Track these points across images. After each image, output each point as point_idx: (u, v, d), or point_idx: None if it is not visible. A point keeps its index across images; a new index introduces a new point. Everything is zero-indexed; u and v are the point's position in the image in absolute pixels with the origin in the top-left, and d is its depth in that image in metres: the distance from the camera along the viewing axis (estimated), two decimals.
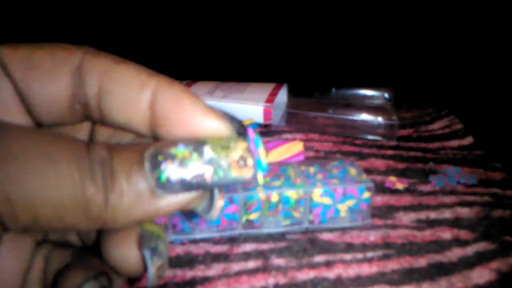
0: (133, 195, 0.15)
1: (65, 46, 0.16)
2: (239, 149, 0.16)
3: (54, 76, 0.16)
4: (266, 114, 0.47)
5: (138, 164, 0.15)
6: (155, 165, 0.15)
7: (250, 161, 0.16)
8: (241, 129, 0.17)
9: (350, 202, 0.32)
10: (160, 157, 0.15)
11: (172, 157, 0.15)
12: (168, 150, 0.15)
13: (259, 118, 0.47)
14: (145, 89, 0.16)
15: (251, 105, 0.47)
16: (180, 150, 0.15)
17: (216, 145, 0.16)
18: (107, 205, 0.14)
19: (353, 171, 0.34)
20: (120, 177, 0.14)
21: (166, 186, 0.15)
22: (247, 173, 0.16)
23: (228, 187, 0.31)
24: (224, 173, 0.15)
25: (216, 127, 0.16)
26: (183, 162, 0.15)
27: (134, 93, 0.16)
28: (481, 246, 0.32)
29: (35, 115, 0.16)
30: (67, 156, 0.14)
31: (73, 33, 0.64)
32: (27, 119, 0.16)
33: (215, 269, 0.29)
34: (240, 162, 0.16)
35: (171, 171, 0.15)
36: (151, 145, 0.15)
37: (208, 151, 0.15)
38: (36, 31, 0.63)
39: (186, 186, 0.15)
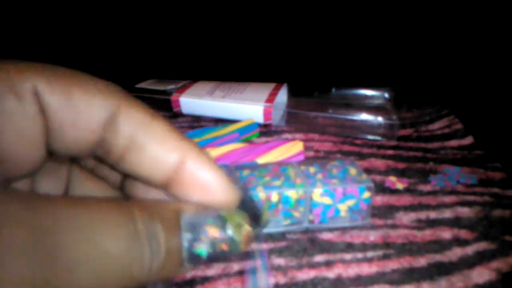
0: (170, 262, 0.15)
1: (102, 86, 0.16)
2: (246, 226, 0.18)
3: (88, 120, 0.16)
4: (266, 114, 0.47)
5: (176, 231, 0.15)
6: (192, 239, 0.16)
7: (250, 234, 0.18)
8: (256, 217, 0.19)
9: (350, 202, 0.32)
10: (194, 232, 0.16)
11: (205, 235, 0.16)
12: (202, 224, 0.16)
13: (259, 118, 0.47)
14: (175, 152, 0.16)
15: (251, 105, 0.47)
16: (211, 227, 0.17)
17: (233, 221, 0.17)
18: (151, 271, 0.14)
19: (353, 171, 0.34)
20: (162, 247, 0.15)
21: (195, 260, 0.16)
22: (248, 245, 0.18)
23: None
24: (236, 248, 0.17)
25: (230, 205, 0.18)
26: (213, 241, 0.16)
27: (164, 153, 0.16)
28: (481, 245, 0.32)
29: (51, 148, 0.16)
30: (113, 224, 0.14)
31: (73, 33, 0.64)
32: (41, 151, 0.16)
33: (215, 269, 0.29)
34: (247, 240, 0.18)
35: (203, 247, 0.16)
36: (184, 211, 0.16)
37: (229, 230, 0.17)
38: (36, 32, 0.63)
39: (208, 261, 0.16)
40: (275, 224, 0.32)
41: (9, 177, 0.15)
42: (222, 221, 0.17)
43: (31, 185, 0.18)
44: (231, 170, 0.19)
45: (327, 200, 0.32)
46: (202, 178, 0.17)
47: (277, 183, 0.32)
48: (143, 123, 0.16)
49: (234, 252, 0.17)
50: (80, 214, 0.13)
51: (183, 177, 0.17)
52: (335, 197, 0.32)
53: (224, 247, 0.17)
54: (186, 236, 0.16)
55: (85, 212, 0.13)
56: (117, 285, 0.14)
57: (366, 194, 0.32)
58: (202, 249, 0.16)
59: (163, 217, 0.15)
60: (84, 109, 0.16)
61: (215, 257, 0.17)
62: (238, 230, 0.18)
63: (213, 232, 0.17)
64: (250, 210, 0.19)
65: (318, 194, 0.32)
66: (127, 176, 0.19)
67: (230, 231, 0.17)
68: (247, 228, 0.18)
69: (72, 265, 0.13)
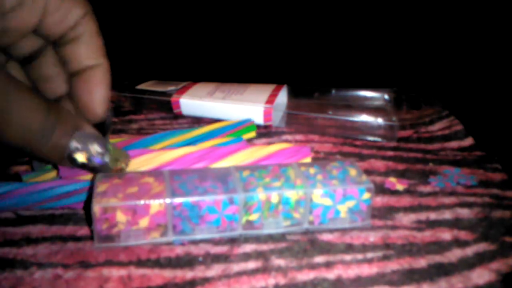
0: (55, 150, 0.25)
1: None
2: (123, 164, 0.29)
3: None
4: (266, 115, 0.47)
5: (67, 137, 0.26)
6: (75, 148, 0.26)
7: (123, 171, 0.30)
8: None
9: (350, 203, 0.32)
10: (80, 144, 0.26)
11: (86, 151, 0.26)
12: (88, 143, 0.26)
13: (259, 119, 0.47)
14: (94, 60, 0.28)
15: (251, 106, 0.47)
16: (94, 149, 0.26)
17: (113, 156, 0.28)
18: (43, 147, 0.25)
19: (353, 171, 0.34)
20: (53, 138, 0.25)
21: (72, 161, 0.27)
22: (116, 172, 0.29)
23: (227, 187, 0.31)
24: (107, 171, 0.28)
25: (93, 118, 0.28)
26: (89, 157, 0.26)
27: (87, 57, 0.28)
28: (481, 246, 0.32)
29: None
30: (36, 108, 0.24)
31: None
32: None
33: (215, 270, 0.29)
34: (118, 171, 0.29)
35: (81, 157, 0.26)
36: (85, 128, 0.27)
37: (106, 158, 0.27)
38: None
39: (81, 167, 0.27)
40: (275, 225, 0.32)
41: None
42: (104, 150, 0.26)
43: None
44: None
45: (327, 201, 0.32)
46: (94, 89, 0.28)
47: (277, 184, 0.32)
48: (90, 31, 0.27)
49: (103, 171, 0.27)
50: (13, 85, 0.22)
51: (86, 77, 0.28)
52: (335, 198, 0.32)
53: (96, 166, 0.27)
54: (73, 144, 0.26)
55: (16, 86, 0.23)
56: (16, 137, 0.23)
57: (366, 195, 0.32)
58: (78, 158, 0.26)
59: (63, 122, 0.25)
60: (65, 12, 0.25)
61: (86, 167, 0.27)
62: (114, 162, 0.27)
63: (93, 152, 0.26)
64: (104, 127, 0.29)
65: (318, 195, 0.32)
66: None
67: (106, 159, 0.27)
68: (122, 164, 0.28)
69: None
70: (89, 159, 0.25)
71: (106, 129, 0.29)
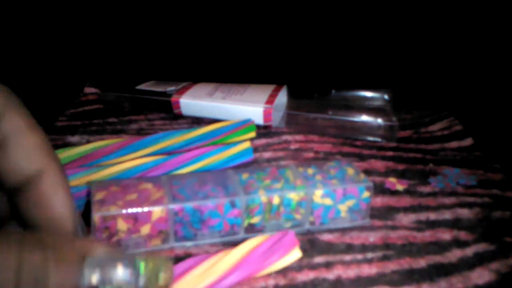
0: None
1: None
2: (168, 273, 0.16)
3: None
4: (266, 115, 0.47)
5: (74, 275, 0.15)
6: (96, 280, 0.15)
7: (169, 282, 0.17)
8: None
9: (350, 202, 0.32)
10: (95, 278, 0.15)
11: (110, 281, 0.15)
12: (109, 268, 0.15)
13: (259, 120, 0.47)
14: (35, 165, 0.18)
15: (251, 106, 0.47)
16: (119, 273, 0.15)
17: (150, 273, 0.16)
18: None
19: (350, 171, 0.34)
20: (53, 282, 0.14)
21: None
22: None
23: (228, 191, 0.31)
24: None
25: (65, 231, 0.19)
26: (120, 285, 0.15)
27: (24, 163, 0.18)
28: (481, 247, 0.32)
29: None
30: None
31: (73, 34, 0.65)
32: None
33: None
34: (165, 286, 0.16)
35: None
36: (95, 250, 0.16)
37: (142, 281, 0.16)
38: (36, 33, 0.63)
39: None
40: (277, 227, 0.32)
41: None
42: (134, 269, 0.16)
43: None
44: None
45: (328, 201, 0.32)
46: (50, 201, 0.19)
47: (278, 185, 0.32)
48: (20, 130, 0.18)
49: None
50: None
51: (33, 191, 0.18)
52: (335, 197, 0.32)
53: None
54: (87, 280, 0.15)
55: None
56: None
57: (366, 194, 0.32)
58: None
59: (60, 261, 0.14)
60: None
61: None
62: (154, 278, 0.16)
63: (118, 280, 0.15)
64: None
65: (319, 195, 0.32)
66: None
67: (141, 281, 0.16)
68: (167, 274, 0.16)
69: None
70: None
71: None
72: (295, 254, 0.23)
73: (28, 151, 0.18)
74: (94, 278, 0.15)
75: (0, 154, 0.18)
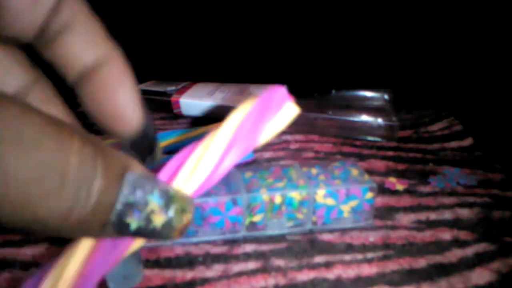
0: (95, 216, 0.13)
1: None
2: (190, 215, 0.16)
3: (41, 5, 0.16)
4: None
5: (115, 185, 0.13)
6: (129, 204, 0.14)
7: (187, 229, 0.16)
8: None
9: (353, 203, 0.32)
10: (132, 198, 0.14)
11: (145, 205, 0.14)
12: (146, 191, 0.14)
13: None
14: (96, 51, 0.17)
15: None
16: (154, 199, 0.14)
17: (179, 203, 0.15)
18: (66, 220, 0.12)
19: (355, 171, 0.34)
20: (92, 198, 0.13)
21: (121, 229, 0.14)
22: (180, 236, 0.16)
23: (230, 189, 0.31)
24: (168, 234, 0.15)
25: (130, 131, 0.17)
26: (149, 215, 0.14)
27: (85, 48, 0.17)
28: (481, 247, 0.32)
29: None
30: (36, 146, 0.12)
31: None
32: None
33: (215, 270, 0.29)
34: (183, 229, 0.16)
35: (137, 218, 0.14)
36: (133, 166, 0.14)
37: (171, 211, 0.15)
38: None
39: (133, 234, 0.14)
40: (278, 226, 0.32)
41: None
42: (168, 198, 0.15)
43: None
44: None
45: (330, 201, 0.32)
46: (115, 92, 0.17)
47: (280, 184, 0.32)
48: (83, 15, 0.16)
49: (163, 235, 0.15)
50: (16, 114, 0.11)
51: (98, 82, 0.16)
52: (338, 198, 0.32)
53: (158, 226, 0.15)
54: (124, 198, 0.13)
55: (24, 115, 0.12)
56: (14, 213, 0.12)
57: (369, 195, 0.32)
58: (134, 220, 0.14)
59: (107, 165, 0.13)
60: None
61: (140, 234, 0.14)
62: (180, 215, 0.15)
63: (154, 205, 0.14)
64: (147, 143, 0.17)
65: (321, 195, 0.32)
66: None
67: (171, 213, 0.15)
68: (189, 216, 0.16)
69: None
70: (148, 218, 0.14)
71: (151, 148, 0.19)
72: (291, 108, 0.19)
73: (93, 36, 0.17)
74: (132, 195, 0.14)
75: (63, 39, 0.16)
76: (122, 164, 0.14)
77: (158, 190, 0.15)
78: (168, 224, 0.15)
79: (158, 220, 0.14)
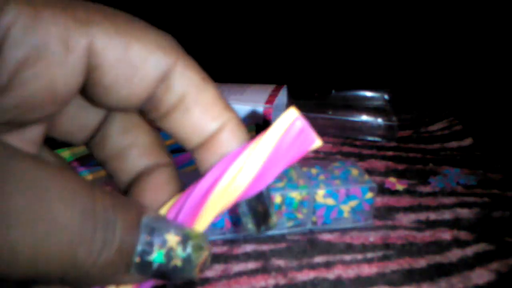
0: (118, 261, 0.14)
1: (162, 40, 0.16)
2: (207, 252, 0.16)
3: (143, 76, 0.15)
4: (266, 115, 0.47)
5: (134, 230, 0.14)
6: (148, 243, 0.15)
7: (206, 267, 0.16)
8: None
9: (353, 203, 0.32)
10: (151, 237, 0.15)
11: (163, 243, 0.15)
12: (163, 231, 0.15)
13: (259, 119, 0.47)
14: (217, 121, 0.16)
15: (251, 106, 0.47)
16: (171, 237, 0.15)
17: (196, 240, 0.16)
18: (96, 262, 0.13)
19: (355, 171, 0.34)
20: (117, 240, 0.13)
21: (144, 269, 0.15)
22: (201, 272, 0.16)
23: None
24: (189, 272, 0.15)
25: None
26: (169, 252, 0.15)
27: (207, 120, 0.16)
28: (481, 247, 0.32)
29: (102, 102, 0.16)
30: (71, 195, 0.13)
31: None
32: (62, 106, 0.15)
33: (214, 270, 0.29)
34: (202, 266, 0.16)
35: (158, 256, 0.15)
36: (147, 211, 0.15)
37: (189, 248, 0.15)
38: None
39: (157, 274, 0.15)
40: (278, 226, 0.32)
41: (22, 120, 0.15)
42: (184, 236, 0.15)
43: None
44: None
45: (330, 201, 0.32)
46: (228, 152, 0.17)
47: (280, 184, 0.32)
48: (196, 85, 0.16)
49: (185, 273, 0.15)
50: (37, 170, 0.12)
51: (214, 144, 0.17)
52: (338, 198, 0.32)
53: (178, 263, 0.15)
54: (143, 239, 0.14)
55: (44, 172, 0.12)
56: (56, 260, 0.12)
57: (369, 195, 0.32)
58: (155, 257, 0.15)
59: (125, 211, 0.14)
60: (140, 65, 0.15)
61: (163, 273, 0.15)
62: (198, 252, 0.16)
63: (172, 242, 0.15)
64: (259, 209, 0.17)
65: (321, 195, 0.32)
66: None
67: (189, 249, 0.15)
68: (206, 252, 0.16)
69: (12, 219, 0.11)
70: (168, 255, 0.15)
71: (266, 213, 0.19)
72: (315, 143, 0.19)
73: (207, 107, 0.16)
74: (150, 236, 0.15)
75: (179, 115, 0.16)
76: (138, 210, 0.15)
77: (174, 229, 0.15)
78: (187, 261, 0.15)
79: (178, 257, 0.15)
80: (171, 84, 0.16)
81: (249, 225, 0.17)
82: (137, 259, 0.14)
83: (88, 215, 0.13)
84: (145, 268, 0.14)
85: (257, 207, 0.17)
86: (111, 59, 0.15)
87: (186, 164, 0.39)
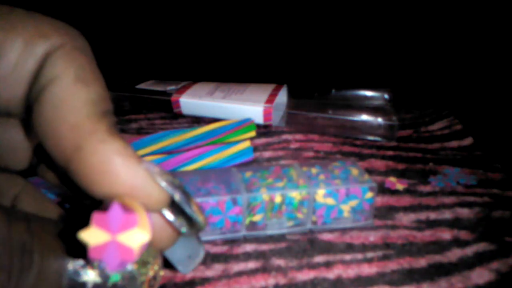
0: (40, 287, 0.13)
1: (46, 28, 0.14)
2: (155, 266, 0.15)
3: (22, 72, 0.14)
4: (266, 114, 0.47)
5: (57, 251, 0.14)
6: (81, 264, 0.14)
7: (158, 282, 0.15)
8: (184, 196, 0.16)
9: (353, 203, 0.32)
10: (77, 265, 0.14)
11: (97, 261, 0.13)
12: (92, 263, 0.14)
13: (259, 119, 0.47)
14: (77, 135, 0.14)
15: (251, 106, 0.47)
16: (98, 266, 0.14)
17: (140, 259, 0.14)
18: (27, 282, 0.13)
19: (355, 171, 0.34)
20: (36, 264, 0.13)
21: None
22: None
23: (230, 188, 0.31)
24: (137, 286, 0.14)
25: (155, 205, 0.15)
26: (103, 270, 0.14)
27: (67, 132, 0.14)
28: (481, 246, 0.32)
29: None
30: None
31: None
32: None
33: (215, 270, 0.29)
34: (151, 281, 0.15)
35: (92, 276, 0.14)
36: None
37: (129, 265, 0.14)
38: None
39: None
40: (278, 226, 0.32)
41: None
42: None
43: None
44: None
45: (330, 201, 0.32)
46: (114, 170, 0.14)
47: (280, 184, 0.32)
48: (68, 79, 0.14)
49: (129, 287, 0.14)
50: None
51: (87, 161, 0.14)
52: (338, 197, 0.32)
53: (118, 281, 0.14)
54: (71, 261, 0.14)
55: None
56: None
57: (369, 194, 0.32)
58: (88, 278, 0.14)
59: (47, 234, 0.13)
60: (16, 62, 0.14)
61: None
62: (143, 268, 0.14)
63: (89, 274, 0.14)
64: (184, 213, 0.16)
65: (321, 194, 0.32)
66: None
67: (130, 266, 0.14)
68: (155, 268, 0.15)
69: None
70: (103, 274, 0.14)
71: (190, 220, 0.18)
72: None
73: (68, 106, 0.13)
74: (72, 262, 0.14)
75: (38, 106, 0.14)
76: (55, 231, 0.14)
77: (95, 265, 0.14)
78: (130, 278, 0.14)
79: (116, 275, 0.14)
80: (42, 71, 0.14)
81: (182, 228, 0.16)
82: (67, 281, 0.14)
83: (5, 244, 0.12)
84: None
85: (179, 214, 0.16)
86: None
87: (185, 164, 0.39)
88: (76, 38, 0.15)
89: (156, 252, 0.16)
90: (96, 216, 0.13)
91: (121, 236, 0.13)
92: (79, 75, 0.14)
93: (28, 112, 0.14)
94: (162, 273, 0.16)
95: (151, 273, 0.15)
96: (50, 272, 0.13)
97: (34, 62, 0.14)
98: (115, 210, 0.13)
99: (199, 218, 0.16)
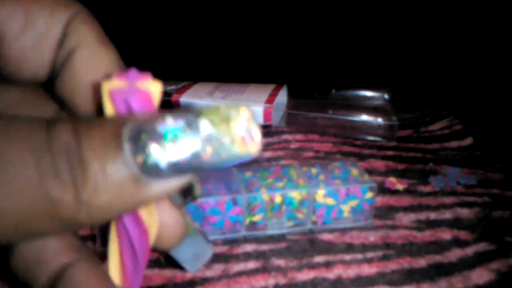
0: (113, 187, 0.12)
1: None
2: (242, 119, 0.12)
3: (48, 40, 0.15)
4: (266, 114, 0.47)
5: (115, 147, 0.12)
6: (139, 148, 0.12)
7: (256, 133, 0.13)
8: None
9: (353, 203, 0.32)
10: (143, 136, 0.12)
11: (160, 137, 0.12)
12: (153, 126, 0.12)
13: (259, 119, 0.47)
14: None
15: (251, 106, 0.47)
16: (170, 127, 0.12)
17: (214, 117, 0.12)
18: (81, 205, 0.12)
19: (355, 171, 0.34)
20: (92, 168, 0.12)
21: (154, 172, 0.12)
22: (253, 148, 0.13)
23: (230, 188, 0.31)
24: (226, 151, 0.12)
25: None
26: (175, 141, 0.12)
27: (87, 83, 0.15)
28: (481, 246, 0.32)
29: (9, 74, 0.15)
30: (22, 149, 0.11)
31: None
32: None
33: (215, 270, 0.29)
34: (245, 136, 0.12)
35: (160, 153, 0.12)
36: (129, 120, 0.12)
37: (205, 126, 0.12)
38: None
39: (179, 169, 0.12)
40: (278, 226, 0.32)
41: None
42: (189, 118, 0.12)
43: None
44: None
45: (330, 201, 0.32)
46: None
47: (280, 184, 0.32)
48: (88, 42, 0.15)
49: (225, 159, 0.12)
50: None
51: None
52: (338, 197, 0.32)
53: (206, 155, 0.12)
54: (127, 149, 0.12)
55: None
56: (39, 225, 0.12)
57: (369, 194, 0.32)
58: (157, 157, 0.12)
59: (93, 130, 0.12)
60: (45, 30, 0.15)
61: (185, 167, 0.12)
62: (222, 125, 0.12)
63: (173, 134, 0.12)
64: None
65: (321, 195, 0.32)
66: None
67: (206, 127, 0.12)
68: (243, 116, 0.12)
69: None
70: (175, 145, 0.12)
71: (189, 188, 0.17)
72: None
73: (96, 67, 0.15)
74: (143, 139, 0.12)
75: (67, 69, 0.15)
76: (116, 126, 0.13)
77: (172, 116, 0.12)
78: (215, 140, 0.12)
79: (192, 141, 0.12)
80: (65, 39, 0.15)
81: (175, 197, 0.15)
82: (138, 169, 0.12)
83: (42, 153, 0.11)
84: (155, 172, 0.12)
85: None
86: (13, 29, 0.14)
87: None
88: (83, 7, 0.16)
89: (242, 107, 0.13)
90: (116, 73, 0.13)
91: (138, 83, 0.13)
92: (101, 38, 0.16)
93: (52, 77, 0.16)
94: (255, 126, 0.13)
95: (238, 128, 0.12)
96: (111, 166, 0.12)
97: (59, 29, 0.15)
98: (132, 71, 0.14)
99: (196, 185, 0.16)
